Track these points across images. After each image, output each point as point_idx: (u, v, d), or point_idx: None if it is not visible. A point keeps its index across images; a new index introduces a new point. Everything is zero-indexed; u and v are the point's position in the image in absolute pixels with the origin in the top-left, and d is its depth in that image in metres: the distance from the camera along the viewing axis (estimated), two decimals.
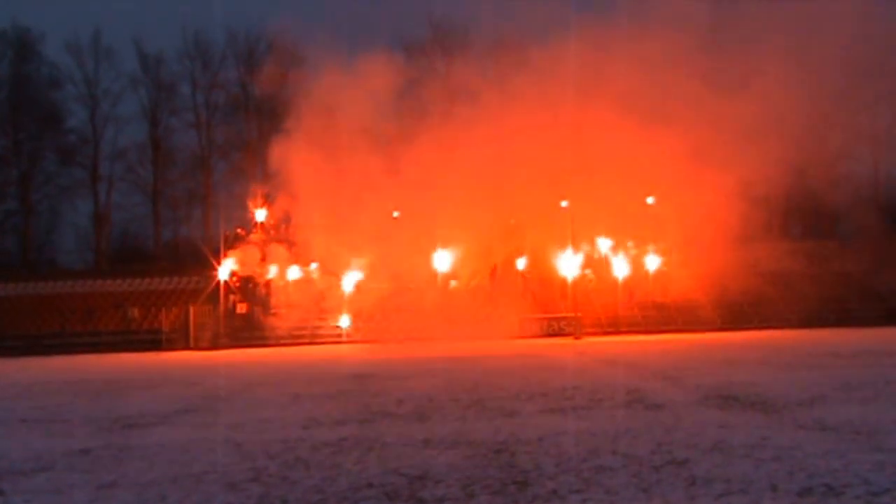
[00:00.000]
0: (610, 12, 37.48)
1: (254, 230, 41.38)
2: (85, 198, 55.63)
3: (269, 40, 51.87)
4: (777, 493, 5.30)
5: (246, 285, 39.52)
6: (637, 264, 38.21)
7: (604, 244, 38.68)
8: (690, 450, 6.79)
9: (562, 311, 36.16)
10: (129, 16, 75.20)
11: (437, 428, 8.58)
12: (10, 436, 9.70)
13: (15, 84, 54.64)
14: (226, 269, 39.29)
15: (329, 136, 37.04)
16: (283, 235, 40.47)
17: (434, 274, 37.27)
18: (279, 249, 39.19)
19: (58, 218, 56.51)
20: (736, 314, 35.28)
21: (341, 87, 37.47)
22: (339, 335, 36.21)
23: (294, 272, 38.90)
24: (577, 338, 32.87)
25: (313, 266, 38.70)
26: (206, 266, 41.04)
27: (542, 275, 37.91)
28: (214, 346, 35.74)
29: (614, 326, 35.95)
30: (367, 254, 36.32)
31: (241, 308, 38.90)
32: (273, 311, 37.52)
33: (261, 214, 41.55)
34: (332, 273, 37.67)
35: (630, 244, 38.32)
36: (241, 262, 39.49)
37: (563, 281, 36.50)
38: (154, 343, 36.64)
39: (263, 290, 39.00)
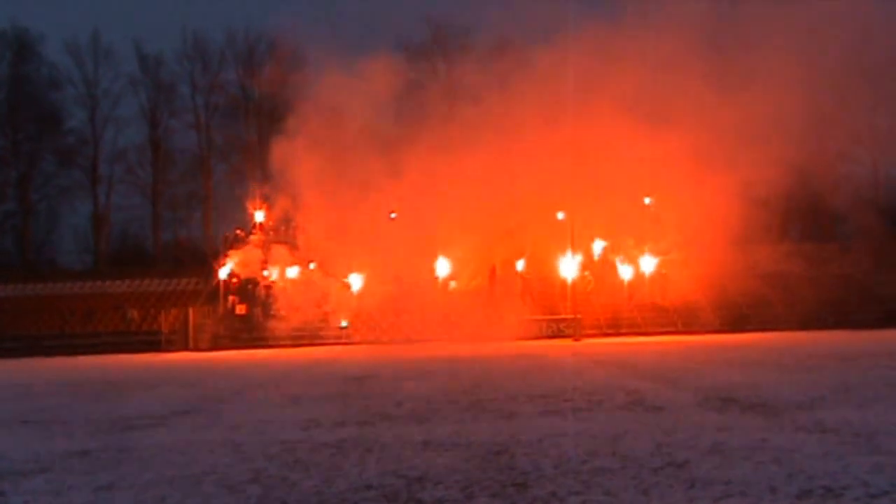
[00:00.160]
0: (610, 14, 37.58)
1: (253, 231, 41.41)
2: (84, 199, 55.84)
3: (269, 41, 52.02)
4: (776, 496, 5.30)
5: (245, 286, 39.54)
6: (637, 266, 38.23)
7: (603, 246, 38.70)
8: (690, 452, 6.79)
9: (561, 313, 36.17)
10: (128, 16, 75.45)
11: (436, 429, 8.58)
12: (9, 436, 9.69)
13: (14, 85, 54.72)
14: (225, 271, 39.33)
15: (329, 138, 37.09)
16: (282, 237, 40.50)
17: (434, 275, 37.28)
18: (279, 250, 39.21)
19: (57, 219, 56.64)
20: (735, 316, 35.34)
21: (341, 88, 37.52)
22: (339, 337, 36.23)
23: (294, 273, 38.91)
24: (576, 339, 32.89)
25: (312, 266, 38.71)
26: (205, 267, 41.08)
27: (542, 276, 37.94)
28: (213, 348, 35.78)
29: (614, 328, 35.99)
30: (367, 255, 36.35)
31: (241, 309, 38.94)
32: (273, 312, 37.54)
33: (260, 216, 41.59)
34: (333, 274, 37.70)
35: (630, 241, 38.32)
36: (241, 264, 39.52)
37: (563, 282, 36.52)
38: (153, 344, 36.67)
39: (263, 292, 39.00)
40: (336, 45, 37.90)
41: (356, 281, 37.01)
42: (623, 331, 35.48)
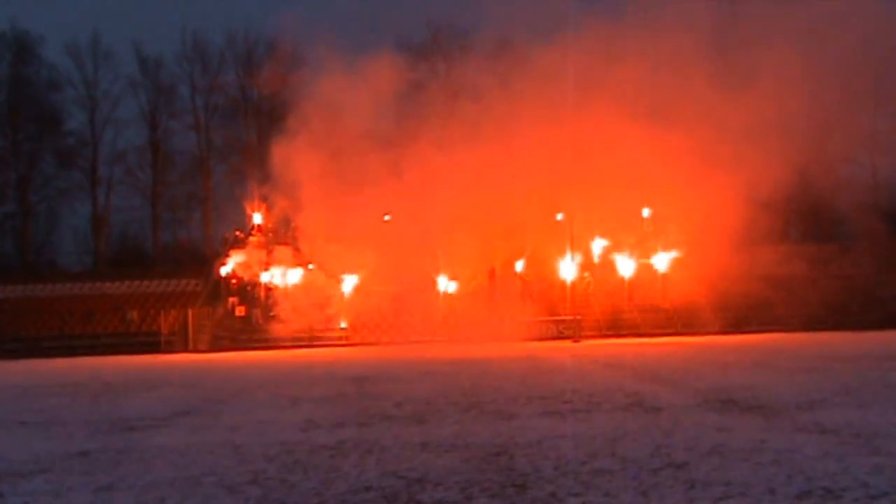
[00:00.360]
0: (611, 14, 37.53)
1: (252, 233, 41.40)
2: (84, 200, 55.77)
3: (269, 42, 52.02)
4: (775, 497, 5.31)
5: (244, 288, 39.54)
6: (637, 267, 38.21)
7: (604, 247, 38.69)
8: (689, 453, 6.80)
9: (561, 314, 36.17)
10: (128, 18, 75.44)
11: (435, 431, 8.58)
12: (9, 437, 9.70)
13: (14, 86, 54.71)
14: (224, 272, 39.35)
15: (329, 138, 37.09)
16: (282, 238, 40.51)
17: (433, 277, 37.27)
18: (279, 251, 39.22)
19: (57, 220, 56.62)
20: (736, 317, 35.31)
21: (341, 88, 37.52)
22: (339, 338, 36.22)
23: (294, 274, 38.90)
24: (575, 340, 32.88)
25: (310, 267, 38.70)
26: (204, 269, 41.10)
27: (542, 277, 37.93)
28: (213, 349, 35.79)
29: (614, 329, 35.97)
30: (367, 256, 36.34)
31: (240, 310, 38.93)
32: (272, 313, 37.55)
33: (259, 217, 41.58)
34: (333, 275, 37.69)
35: (631, 240, 38.29)
36: (241, 265, 39.54)
37: (563, 283, 36.52)
38: (153, 345, 36.66)
39: (263, 293, 39.01)
40: (336, 46, 37.92)
41: (354, 281, 37.04)
42: (623, 332, 35.47)
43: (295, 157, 36.55)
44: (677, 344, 27.49)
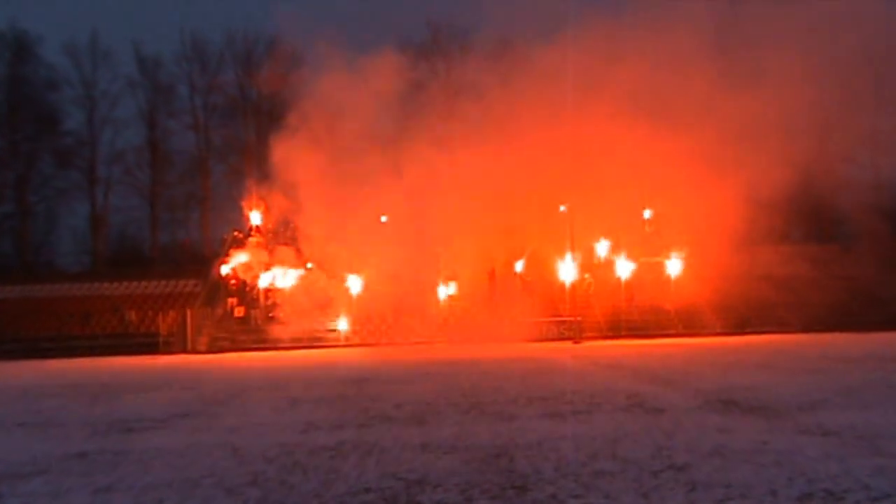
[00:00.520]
0: (612, 13, 37.48)
1: (252, 233, 41.37)
2: (82, 200, 55.66)
3: (268, 42, 52.00)
4: (777, 499, 5.32)
5: (244, 288, 39.52)
6: (638, 268, 38.18)
7: (604, 247, 38.68)
8: (690, 454, 6.81)
9: (561, 315, 36.16)
10: (126, 18, 75.31)
11: (435, 432, 8.59)
12: (7, 439, 9.71)
13: (12, 86, 54.69)
14: (223, 273, 39.34)
15: (328, 137, 37.05)
16: (281, 238, 40.48)
17: (433, 277, 37.25)
18: (279, 252, 39.20)
19: (55, 220, 56.54)
20: (737, 318, 35.27)
21: (341, 88, 37.49)
22: (338, 339, 36.21)
23: (293, 275, 38.88)
24: (576, 341, 32.86)
25: (309, 266, 38.68)
26: (203, 269, 41.08)
27: (542, 277, 37.92)
28: (212, 350, 35.75)
29: (614, 330, 35.93)
30: (367, 256, 36.31)
31: (239, 311, 38.91)
32: (271, 314, 37.53)
33: (258, 217, 41.55)
34: (332, 276, 37.67)
35: (631, 241, 38.27)
36: (239, 266, 39.53)
37: (563, 284, 36.52)
38: (151, 346, 36.60)
39: (262, 294, 39.00)
40: (335, 45, 37.86)
41: (354, 282, 37.00)
42: (624, 333, 35.44)
43: (294, 156, 36.51)
44: (678, 345, 27.50)
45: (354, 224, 35.77)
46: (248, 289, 39.45)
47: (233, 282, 39.70)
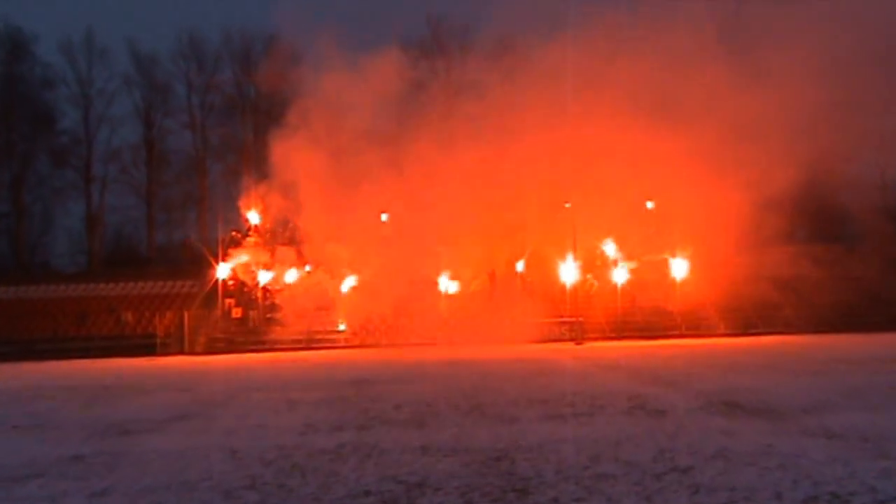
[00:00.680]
0: (615, 10, 37.45)
1: (250, 233, 41.35)
2: (78, 200, 55.61)
3: (266, 39, 51.99)
4: (782, 502, 5.32)
5: (242, 289, 39.52)
6: (641, 267, 38.17)
7: (607, 247, 38.64)
8: (693, 457, 6.80)
9: (563, 316, 36.14)
10: (122, 15, 75.31)
11: (435, 434, 8.59)
12: (2, 442, 9.71)
13: (7, 84, 54.68)
14: (221, 273, 39.32)
15: (328, 136, 37.04)
16: (280, 238, 40.47)
17: (434, 277, 37.24)
18: (277, 252, 39.19)
19: (50, 220, 56.53)
20: (741, 319, 35.24)
21: (340, 86, 37.47)
22: (337, 340, 36.20)
23: (292, 275, 38.87)
24: (578, 343, 32.85)
25: (307, 268, 38.68)
26: (201, 269, 41.06)
27: (544, 278, 37.89)
28: (209, 351, 35.73)
29: (617, 331, 35.91)
30: (367, 256, 36.30)
31: (237, 312, 38.90)
32: (270, 315, 37.52)
33: (256, 217, 41.52)
34: (332, 276, 37.66)
35: (633, 241, 38.21)
36: (237, 266, 39.52)
37: (564, 285, 36.51)
38: (148, 348, 36.57)
39: (260, 294, 38.99)
40: (334, 43, 37.83)
41: (354, 283, 36.99)
42: (626, 334, 35.38)
43: (293, 155, 36.47)
44: (681, 346, 27.49)
45: (354, 223, 35.77)
46: (246, 289, 39.45)
47: (231, 282, 39.69)
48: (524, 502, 5.57)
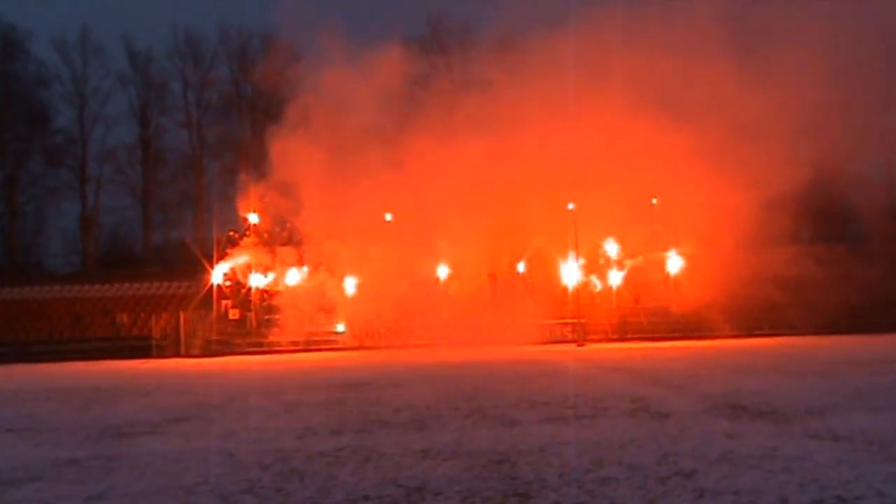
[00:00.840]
0: (618, 6, 37.41)
1: (247, 233, 41.32)
2: (72, 200, 55.67)
3: (264, 36, 51.99)
4: None
5: (239, 290, 39.50)
6: (644, 269, 38.17)
7: (609, 248, 38.63)
8: (697, 460, 6.80)
9: (565, 317, 36.13)
10: (117, 12, 75.31)
11: (435, 437, 8.59)
12: None
13: (1, 82, 54.67)
14: (218, 274, 39.31)
15: (327, 133, 37.02)
16: (278, 238, 40.46)
17: (434, 278, 37.23)
18: (275, 252, 39.19)
19: (44, 220, 56.53)
20: (745, 321, 35.23)
21: (339, 83, 37.47)
22: (336, 342, 36.19)
23: (290, 276, 38.85)
24: (580, 344, 32.87)
25: (305, 269, 38.67)
26: (197, 270, 41.05)
27: (546, 279, 37.88)
28: (206, 354, 35.75)
29: (619, 333, 35.94)
30: (367, 256, 36.30)
31: (234, 314, 38.88)
32: (267, 316, 37.53)
33: (254, 217, 41.50)
34: (331, 277, 37.65)
35: (636, 242, 38.21)
36: (235, 267, 39.50)
37: (566, 285, 36.51)
38: (144, 350, 36.60)
39: (258, 296, 38.98)
40: (333, 39, 37.86)
41: (353, 283, 36.98)
42: (629, 336, 35.44)
43: (292, 153, 36.45)
44: (685, 348, 27.50)
45: (354, 222, 35.74)
46: (243, 290, 39.42)
47: (228, 283, 39.67)
48: None
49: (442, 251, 37.00)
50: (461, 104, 38.24)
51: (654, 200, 37.78)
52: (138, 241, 57.06)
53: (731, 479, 6.07)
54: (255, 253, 39.48)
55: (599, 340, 34.57)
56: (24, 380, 23.62)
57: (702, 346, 28.07)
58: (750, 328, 34.75)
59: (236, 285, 39.55)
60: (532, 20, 38.51)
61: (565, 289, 36.74)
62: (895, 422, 8.77)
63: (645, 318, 36.95)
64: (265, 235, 41.06)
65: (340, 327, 36.74)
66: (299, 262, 38.78)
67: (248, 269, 39.27)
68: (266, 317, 37.76)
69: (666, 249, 37.83)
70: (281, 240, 40.22)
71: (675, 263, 37.45)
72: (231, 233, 42.17)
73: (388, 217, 37.72)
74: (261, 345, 35.74)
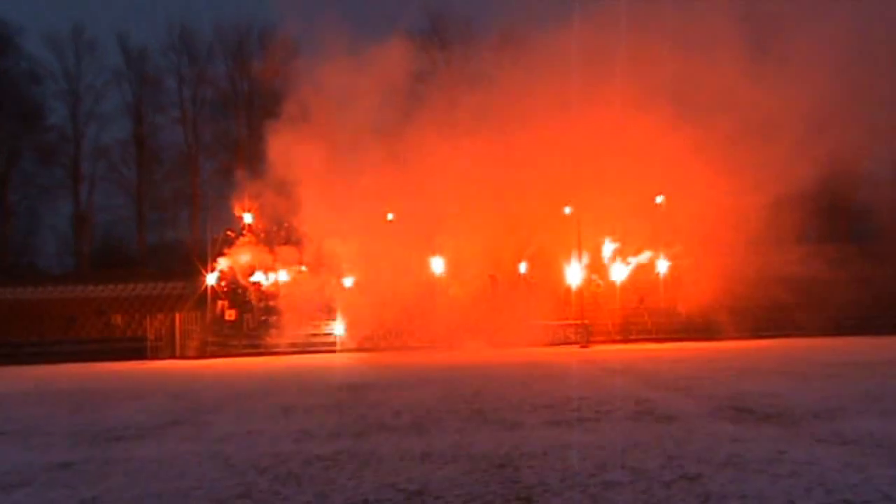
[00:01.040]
0: (620, 3, 37.44)
1: (244, 233, 41.35)
2: (65, 199, 55.78)
3: (260, 32, 52.04)
4: None
5: (235, 290, 39.51)
6: (648, 269, 38.20)
7: (613, 246, 38.67)
8: (703, 464, 6.81)
9: (568, 318, 36.14)
10: (111, 7, 75.37)
11: (435, 441, 8.59)
12: None
13: None
14: (214, 274, 39.33)
15: (325, 131, 37.04)
16: (275, 238, 40.47)
17: (434, 279, 37.25)
18: (273, 252, 39.21)
19: (37, 220, 56.65)
20: (752, 322, 35.24)
21: (337, 79, 37.48)
22: (335, 343, 36.21)
23: (288, 276, 38.87)
24: (583, 345, 32.88)
25: (303, 269, 38.70)
26: (192, 271, 41.09)
27: (548, 279, 37.90)
28: (202, 355, 35.78)
29: (623, 334, 35.96)
30: (366, 255, 36.31)
31: (230, 315, 38.91)
32: (265, 317, 37.54)
33: (251, 216, 41.53)
34: (329, 277, 37.66)
35: (639, 242, 38.26)
36: (231, 267, 39.52)
37: (569, 285, 36.53)
38: (138, 351, 36.65)
39: (255, 296, 39.00)
40: (332, 34, 37.89)
41: (352, 284, 37.01)
42: (633, 337, 35.48)
43: (290, 149, 36.46)
44: (691, 349, 27.51)
45: (353, 222, 35.75)
46: (240, 291, 39.44)
47: (223, 284, 39.69)
48: None
49: (443, 250, 37.01)
50: (463, 100, 38.25)
51: (660, 198, 37.80)
52: (132, 241, 57.17)
53: (737, 483, 6.08)
54: (252, 253, 39.50)
55: (603, 342, 34.58)
56: (16, 382, 23.63)
57: (707, 348, 28.08)
58: (756, 329, 34.75)
59: (232, 286, 39.57)
60: (535, 14, 38.54)
61: (568, 289, 36.75)
62: None
63: (649, 319, 36.98)
64: (262, 235, 41.09)
65: (339, 329, 36.75)
66: (297, 262, 38.80)
67: (245, 269, 39.30)
68: (263, 318, 37.78)
69: (671, 248, 37.86)
70: (279, 239, 40.23)
71: (679, 263, 37.45)
72: (227, 232, 42.21)
73: (390, 216, 37.74)
74: (258, 346, 35.77)
